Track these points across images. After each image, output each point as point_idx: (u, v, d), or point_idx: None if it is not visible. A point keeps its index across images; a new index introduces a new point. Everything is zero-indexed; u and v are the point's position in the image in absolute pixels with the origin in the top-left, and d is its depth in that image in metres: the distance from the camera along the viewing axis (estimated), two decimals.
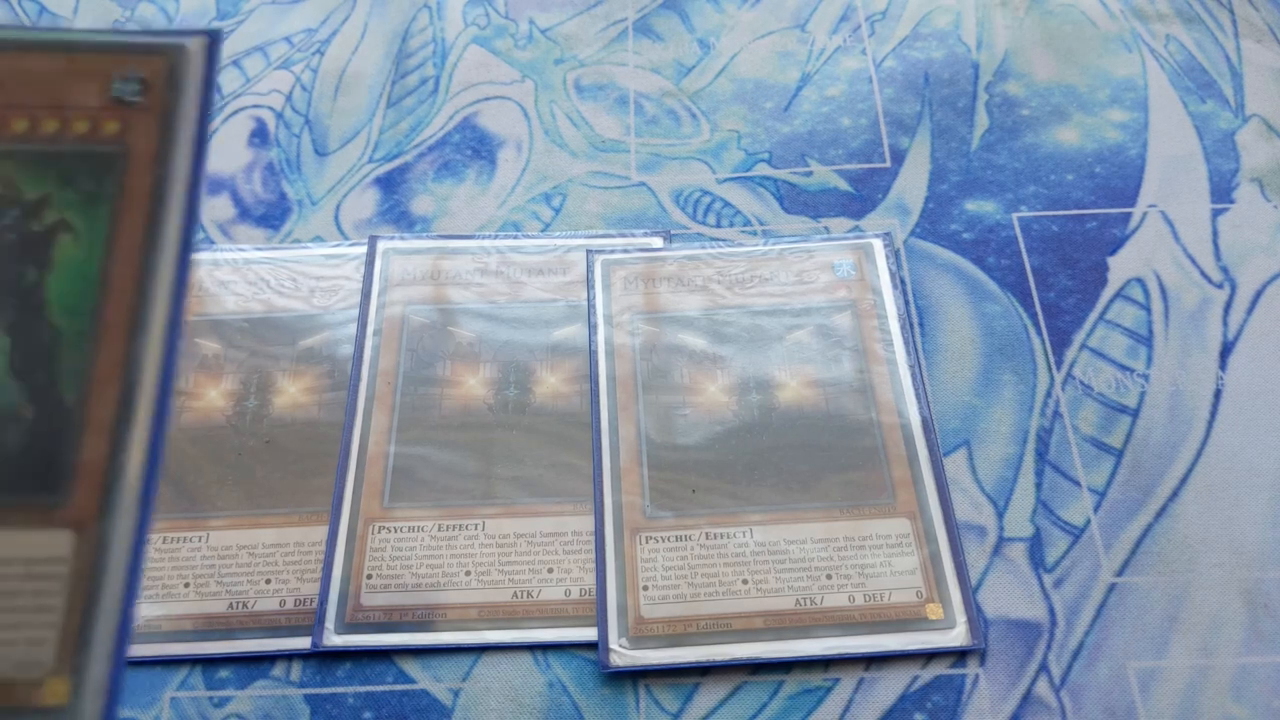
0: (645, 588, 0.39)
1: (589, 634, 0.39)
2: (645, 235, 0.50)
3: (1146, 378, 0.45)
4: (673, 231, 0.50)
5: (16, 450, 0.24)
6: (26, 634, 0.22)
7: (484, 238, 0.50)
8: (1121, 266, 0.48)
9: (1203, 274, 0.47)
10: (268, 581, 0.40)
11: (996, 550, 0.41)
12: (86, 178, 0.26)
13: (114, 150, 0.26)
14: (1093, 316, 0.46)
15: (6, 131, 0.26)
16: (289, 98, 0.56)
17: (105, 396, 0.24)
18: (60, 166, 0.26)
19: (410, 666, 0.39)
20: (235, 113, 0.56)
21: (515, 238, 0.50)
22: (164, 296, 0.25)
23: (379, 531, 0.41)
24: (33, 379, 0.24)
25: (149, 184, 0.26)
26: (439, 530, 0.41)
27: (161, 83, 0.26)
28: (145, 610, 0.39)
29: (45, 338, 0.24)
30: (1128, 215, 0.50)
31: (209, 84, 0.27)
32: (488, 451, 0.43)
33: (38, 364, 0.24)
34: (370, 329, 0.47)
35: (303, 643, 0.39)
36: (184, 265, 0.25)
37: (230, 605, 0.40)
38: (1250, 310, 0.46)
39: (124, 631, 0.22)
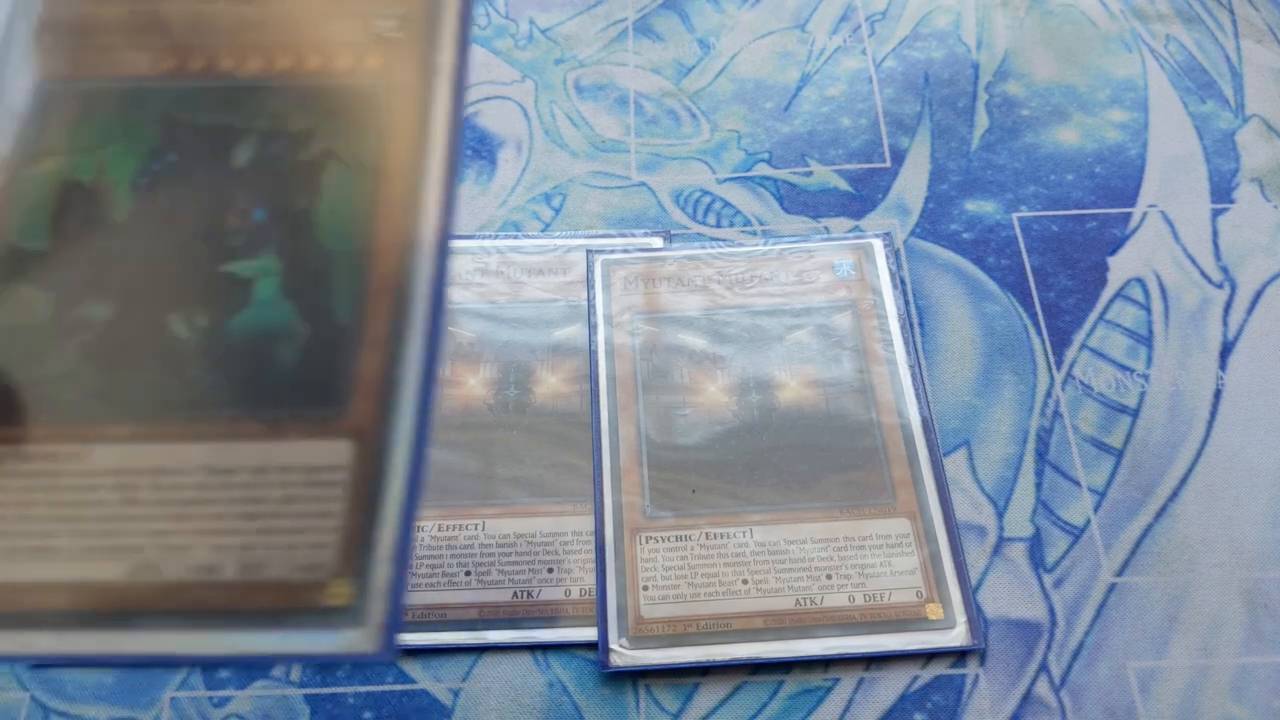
0: (645, 588, 0.39)
1: (589, 634, 0.39)
2: (645, 235, 0.50)
3: (1146, 378, 0.45)
4: (673, 231, 0.50)
5: (294, 365, 0.24)
6: (309, 539, 0.23)
7: (484, 238, 0.50)
8: (1121, 266, 0.48)
9: (1203, 274, 0.47)
10: None
11: (996, 550, 0.41)
12: (351, 109, 0.27)
13: (377, 83, 0.27)
14: (1093, 316, 0.46)
15: (273, 68, 0.27)
16: None
17: (379, 313, 0.24)
18: (325, 99, 0.27)
19: (410, 666, 0.39)
20: None
21: (515, 238, 0.50)
22: (433, 218, 0.25)
23: None
24: (306, 300, 0.25)
25: (413, 113, 0.27)
26: (439, 530, 0.41)
27: (420, 16, 0.28)
28: None
29: (317, 260, 0.25)
30: (1128, 215, 0.50)
31: (466, 14, 0.28)
32: (488, 451, 0.43)
33: (311, 285, 0.25)
34: None
35: None
36: (451, 188, 0.26)
37: None
38: (1250, 310, 0.46)
39: (406, 536, 0.22)
